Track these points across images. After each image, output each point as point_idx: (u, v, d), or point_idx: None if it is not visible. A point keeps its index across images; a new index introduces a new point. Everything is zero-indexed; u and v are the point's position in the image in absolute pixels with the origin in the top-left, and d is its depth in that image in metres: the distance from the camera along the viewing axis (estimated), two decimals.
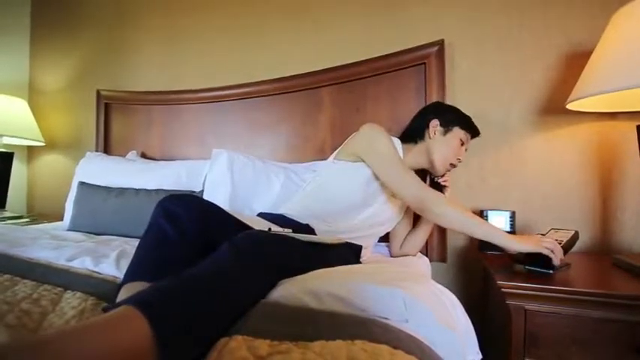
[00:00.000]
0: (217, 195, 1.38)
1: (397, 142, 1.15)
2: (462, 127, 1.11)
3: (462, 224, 0.93)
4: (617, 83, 0.88)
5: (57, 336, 0.39)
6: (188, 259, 0.67)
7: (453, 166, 1.12)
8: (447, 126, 1.10)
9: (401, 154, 1.11)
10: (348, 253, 1.01)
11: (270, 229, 0.87)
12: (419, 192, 0.96)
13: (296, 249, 0.77)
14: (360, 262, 1.07)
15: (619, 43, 0.92)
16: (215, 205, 0.81)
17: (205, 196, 1.40)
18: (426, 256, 1.29)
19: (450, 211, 0.93)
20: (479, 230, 0.92)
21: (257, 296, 0.62)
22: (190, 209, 0.73)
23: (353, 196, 1.07)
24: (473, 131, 1.13)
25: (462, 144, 1.11)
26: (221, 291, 0.53)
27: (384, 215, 1.12)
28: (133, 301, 0.45)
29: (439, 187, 1.14)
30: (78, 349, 0.38)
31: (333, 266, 0.83)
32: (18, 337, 0.54)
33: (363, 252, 1.08)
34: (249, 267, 0.60)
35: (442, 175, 1.14)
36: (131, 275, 0.66)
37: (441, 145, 1.10)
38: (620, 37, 0.93)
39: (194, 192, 1.46)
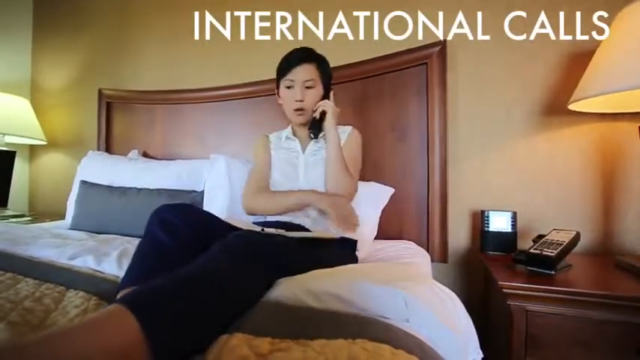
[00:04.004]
0: (217, 200, 1.39)
1: (273, 135, 1.26)
2: (279, 77, 1.13)
3: (271, 205, 1.07)
4: (620, 84, 0.88)
5: (46, 337, 0.39)
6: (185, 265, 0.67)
7: (300, 110, 1.10)
8: (277, 87, 1.16)
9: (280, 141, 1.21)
10: (344, 248, 1.02)
11: (263, 229, 0.88)
12: (243, 193, 1.16)
13: (289, 247, 0.77)
14: (356, 256, 1.08)
15: (622, 43, 0.92)
16: (209, 213, 0.83)
17: (205, 201, 1.41)
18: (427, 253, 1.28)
19: (250, 203, 1.10)
20: (288, 201, 1.04)
21: (252, 295, 0.62)
22: (185, 217, 0.74)
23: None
24: (283, 70, 1.11)
25: (291, 87, 1.10)
26: (212, 289, 0.53)
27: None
28: (123, 300, 0.45)
29: (321, 122, 1.10)
30: (67, 349, 0.38)
31: (328, 262, 0.83)
32: (9, 338, 0.54)
33: (360, 246, 1.09)
34: (240, 266, 0.60)
35: (314, 116, 1.11)
36: (128, 281, 0.67)
37: (283, 104, 1.16)
38: (623, 37, 0.92)
39: (195, 191, 1.46)
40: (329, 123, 1.08)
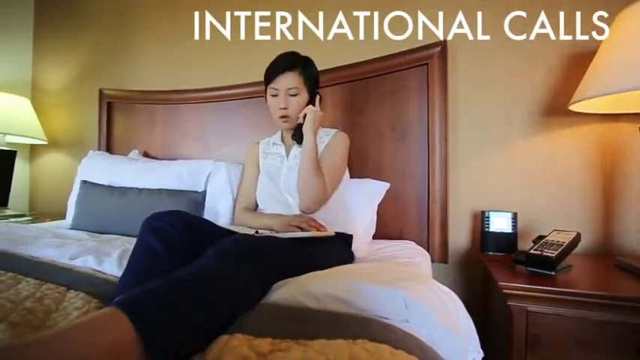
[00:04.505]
0: (220, 206, 1.41)
1: (263, 142, 1.29)
2: (266, 84, 1.13)
3: (242, 221, 1.17)
4: (621, 85, 0.88)
5: (45, 338, 0.39)
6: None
7: (285, 117, 1.11)
8: (265, 92, 1.15)
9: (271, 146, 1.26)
10: (339, 245, 1.02)
11: (257, 231, 0.88)
12: (235, 207, 1.28)
13: (284, 248, 0.77)
14: (352, 252, 1.08)
15: (623, 43, 0.92)
16: (201, 218, 0.84)
17: (208, 208, 1.43)
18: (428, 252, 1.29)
19: (238, 218, 1.21)
20: (251, 222, 1.12)
21: (248, 296, 0.61)
22: (176, 223, 0.75)
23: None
24: (268, 78, 1.11)
25: (276, 95, 1.11)
26: (206, 291, 0.53)
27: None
28: (117, 302, 0.45)
29: (302, 127, 1.10)
30: (66, 350, 0.38)
31: (325, 260, 0.84)
32: (9, 338, 0.54)
33: (357, 243, 1.10)
34: (235, 268, 0.60)
35: (298, 122, 1.12)
36: (122, 288, 0.67)
37: (270, 110, 1.15)
38: (624, 38, 0.92)
39: (196, 191, 1.46)
40: (306, 127, 1.08)
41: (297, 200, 1.10)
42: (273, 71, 1.10)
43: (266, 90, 1.14)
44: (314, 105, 1.12)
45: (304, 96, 1.11)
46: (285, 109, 1.09)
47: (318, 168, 1.05)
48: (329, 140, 1.17)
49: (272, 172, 1.19)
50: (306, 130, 1.07)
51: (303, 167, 1.05)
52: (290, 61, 1.09)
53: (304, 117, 1.09)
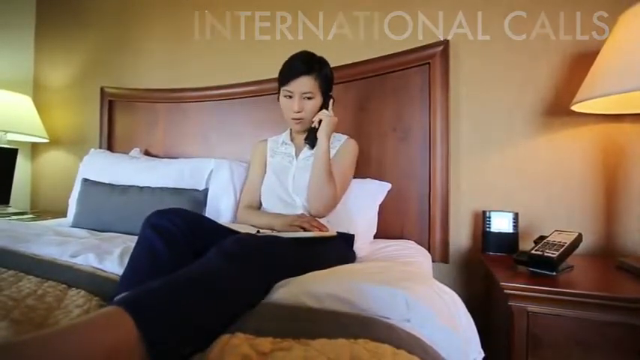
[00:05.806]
0: (222, 204, 1.41)
1: (271, 140, 1.30)
2: (280, 84, 1.12)
3: (245, 219, 1.16)
4: (624, 85, 0.88)
5: (47, 336, 0.39)
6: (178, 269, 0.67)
7: (298, 119, 1.11)
8: (278, 92, 1.14)
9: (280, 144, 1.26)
10: (341, 245, 1.02)
11: (258, 231, 0.87)
12: (239, 204, 1.29)
13: (285, 247, 0.77)
14: (354, 252, 1.08)
15: (626, 44, 0.92)
16: (202, 216, 0.84)
17: (210, 206, 1.43)
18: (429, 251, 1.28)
19: (240, 216, 1.20)
20: (255, 221, 1.11)
21: (250, 295, 0.62)
22: (177, 221, 0.75)
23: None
24: (283, 79, 1.10)
25: (290, 97, 1.10)
26: (208, 290, 0.53)
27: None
28: (119, 301, 0.45)
29: (315, 132, 1.10)
30: (67, 348, 0.38)
31: (327, 260, 0.84)
32: (10, 336, 0.54)
33: (359, 242, 1.10)
34: (237, 267, 0.60)
35: (312, 126, 1.12)
36: (123, 288, 0.67)
37: (282, 110, 1.15)
38: (627, 38, 0.92)
39: (197, 190, 1.46)
40: (321, 132, 1.08)
41: (304, 201, 1.10)
42: (289, 74, 1.08)
43: (279, 89, 1.14)
44: (327, 107, 1.12)
45: (318, 99, 1.11)
46: (299, 112, 1.10)
47: (330, 174, 1.06)
48: (340, 146, 1.18)
49: (280, 171, 1.19)
50: (321, 136, 1.07)
51: (316, 173, 1.06)
52: (306, 65, 1.07)
53: (319, 122, 1.09)
